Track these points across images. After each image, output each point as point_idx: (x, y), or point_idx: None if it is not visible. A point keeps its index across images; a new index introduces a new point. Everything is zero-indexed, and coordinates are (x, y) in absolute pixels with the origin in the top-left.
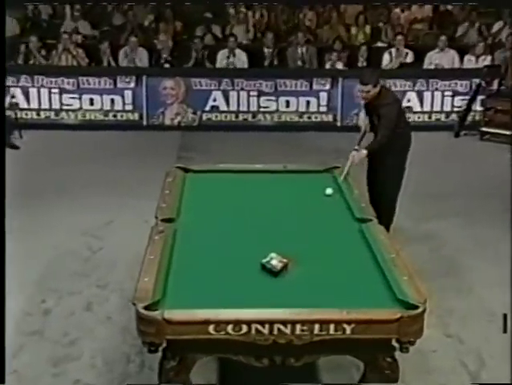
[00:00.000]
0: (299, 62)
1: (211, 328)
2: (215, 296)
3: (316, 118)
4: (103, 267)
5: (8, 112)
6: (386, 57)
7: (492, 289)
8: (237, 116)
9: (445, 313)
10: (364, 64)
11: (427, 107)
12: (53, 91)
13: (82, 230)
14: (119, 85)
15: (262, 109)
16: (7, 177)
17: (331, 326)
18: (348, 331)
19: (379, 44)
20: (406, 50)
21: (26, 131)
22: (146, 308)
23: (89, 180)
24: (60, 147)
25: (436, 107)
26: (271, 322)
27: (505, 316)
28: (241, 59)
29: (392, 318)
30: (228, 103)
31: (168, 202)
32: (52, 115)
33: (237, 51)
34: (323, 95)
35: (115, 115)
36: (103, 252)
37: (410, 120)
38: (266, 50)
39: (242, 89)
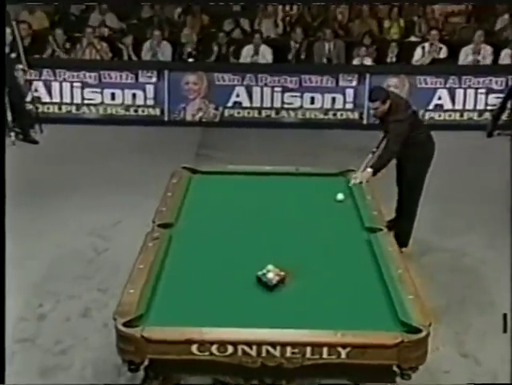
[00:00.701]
0: (326, 58)
1: (194, 348)
2: (203, 312)
3: (342, 115)
4: (106, 270)
5: (30, 106)
6: (418, 52)
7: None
8: (260, 113)
9: (462, 329)
10: (394, 60)
11: (459, 105)
12: (75, 85)
13: (89, 230)
14: (140, 79)
15: (285, 105)
16: (21, 173)
17: (324, 350)
18: (343, 355)
19: (413, 39)
20: (440, 45)
21: (46, 126)
22: (126, 324)
23: (103, 178)
24: (79, 143)
25: (469, 106)
26: (259, 344)
27: (505, 316)
28: (266, 57)
29: (392, 342)
30: (251, 99)
31: (168, 206)
32: (73, 109)
33: (262, 48)
34: (350, 92)
35: (136, 110)
36: (108, 253)
37: (440, 118)
38: (292, 44)
39: (266, 85)
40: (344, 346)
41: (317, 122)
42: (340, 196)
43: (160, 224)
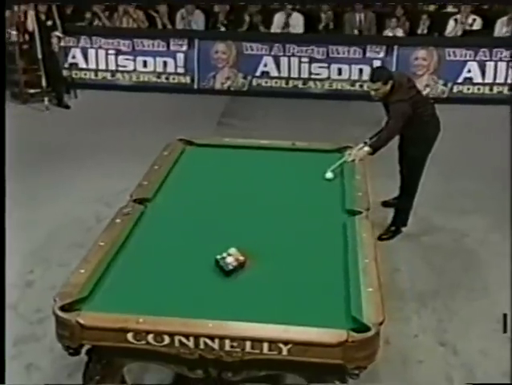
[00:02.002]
0: (357, 29)
1: (130, 336)
2: (147, 299)
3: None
4: None
5: (67, 72)
6: (451, 23)
7: (508, 292)
8: (287, 83)
9: (448, 316)
10: (425, 32)
11: (489, 79)
12: (110, 52)
13: (96, 197)
14: (172, 48)
15: (313, 76)
16: (45, 138)
17: (265, 345)
18: (285, 352)
19: (449, 9)
20: (473, 17)
21: (82, 92)
22: (66, 306)
23: (121, 145)
24: (109, 109)
25: (500, 79)
26: (196, 336)
27: (505, 316)
28: (298, 23)
29: (335, 341)
30: (279, 69)
31: (150, 179)
32: (108, 75)
33: (294, 15)
34: (377, 64)
35: (167, 78)
36: (108, 221)
37: (469, 92)
38: (322, 14)
39: (294, 55)
40: (286, 343)
41: (344, 93)
42: (329, 175)
43: (135, 199)
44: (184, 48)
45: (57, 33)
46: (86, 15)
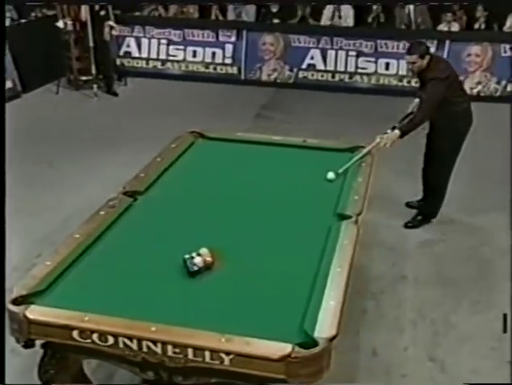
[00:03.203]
0: (406, 23)
1: (75, 334)
2: (102, 296)
3: (417, 83)
4: None
5: (120, 60)
6: (511, 19)
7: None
8: (333, 76)
9: (444, 330)
10: (483, 27)
11: None
12: (161, 41)
13: (121, 185)
14: (220, 38)
15: (359, 70)
16: (90, 122)
17: (207, 354)
18: (227, 362)
19: None
20: None
21: (132, 80)
22: (18, 299)
23: (160, 133)
24: (155, 97)
25: None
26: (140, 339)
27: (505, 316)
28: (347, 18)
29: (276, 356)
30: (325, 62)
31: (148, 172)
32: (159, 64)
33: (344, 7)
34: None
35: (215, 68)
36: None
37: None
38: (374, 6)
39: (341, 48)
40: (228, 353)
41: (391, 88)
42: (331, 176)
43: (126, 191)
44: (233, 39)
45: (110, 22)
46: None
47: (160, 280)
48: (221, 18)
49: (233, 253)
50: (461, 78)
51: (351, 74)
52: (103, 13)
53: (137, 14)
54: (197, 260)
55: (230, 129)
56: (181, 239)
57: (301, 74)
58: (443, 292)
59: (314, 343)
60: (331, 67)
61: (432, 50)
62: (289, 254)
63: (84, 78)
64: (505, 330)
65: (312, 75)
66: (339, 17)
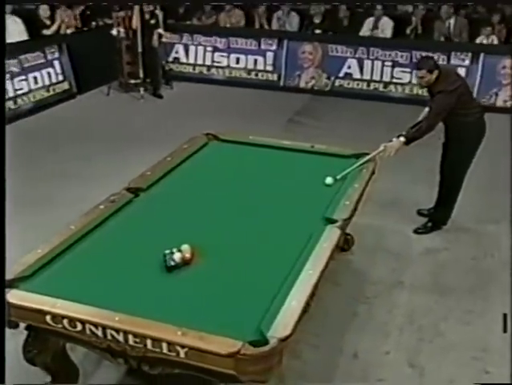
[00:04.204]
0: (445, 35)
1: (48, 318)
2: (77, 285)
3: None
4: None
5: (169, 65)
6: None
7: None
8: (368, 85)
9: (431, 336)
10: None
11: None
12: (207, 48)
13: None
14: (262, 46)
15: (394, 80)
16: (133, 122)
17: (164, 345)
18: (182, 355)
19: None
20: None
21: (179, 83)
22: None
23: (195, 133)
24: (198, 100)
25: None
26: (104, 327)
27: (505, 316)
28: (385, 30)
29: (225, 352)
30: (361, 72)
31: (155, 170)
32: (204, 70)
33: (384, 20)
34: (461, 71)
35: (256, 74)
36: None
37: None
38: (413, 18)
39: (377, 58)
40: (182, 346)
41: (425, 99)
42: (329, 181)
43: (129, 187)
44: (274, 47)
45: (159, 30)
46: (195, 14)
47: (137, 273)
48: (265, 27)
49: (215, 250)
50: (495, 90)
51: (386, 84)
52: (153, 21)
53: (188, 22)
54: (176, 255)
55: (261, 132)
56: (170, 235)
57: (337, 83)
58: (437, 300)
59: (266, 342)
60: (366, 76)
61: (467, 62)
62: (268, 255)
63: (133, 81)
64: (505, 330)
65: (348, 84)
66: (378, 27)
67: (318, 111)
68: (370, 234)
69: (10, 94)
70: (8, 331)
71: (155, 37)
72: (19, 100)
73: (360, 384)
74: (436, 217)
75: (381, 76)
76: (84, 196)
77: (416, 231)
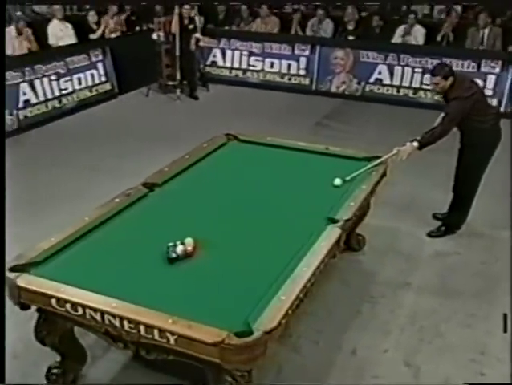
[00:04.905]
0: (479, 44)
1: (53, 302)
2: (82, 272)
3: None
4: None
5: (207, 68)
6: None
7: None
8: (398, 91)
9: (431, 337)
10: None
11: None
12: (243, 53)
13: None
14: (296, 52)
15: (424, 86)
16: (168, 121)
17: (156, 332)
18: (172, 342)
19: None
20: None
21: (215, 86)
22: (17, 267)
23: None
24: (232, 102)
25: None
26: (102, 312)
27: (505, 316)
28: (417, 37)
29: (211, 340)
30: (392, 77)
31: (172, 167)
32: (240, 73)
33: (416, 27)
34: (491, 78)
35: (289, 78)
36: None
37: None
38: (445, 26)
39: (407, 65)
40: (172, 334)
41: None
42: (337, 182)
43: (145, 183)
44: (307, 53)
45: (196, 35)
46: (235, 20)
47: (140, 263)
48: (300, 33)
49: (218, 245)
50: None
51: (416, 90)
52: (191, 27)
53: (226, 28)
54: (179, 248)
55: (288, 134)
56: (178, 229)
57: (368, 88)
58: (441, 302)
59: (251, 333)
60: (396, 82)
61: (497, 70)
62: (267, 251)
63: (171, 83)
64: (505, 330)
65: (378, 89)
66: (410, 33)
67: (346, 115)
68: (383, 236)
69: (56, 93)
70: (27, 314)
71: (192, 41)
72: (64, 100)
73: (355, 380)
74: (450, 222)
75: (411, 82)
76: (114, 191)
77: (429, 234)
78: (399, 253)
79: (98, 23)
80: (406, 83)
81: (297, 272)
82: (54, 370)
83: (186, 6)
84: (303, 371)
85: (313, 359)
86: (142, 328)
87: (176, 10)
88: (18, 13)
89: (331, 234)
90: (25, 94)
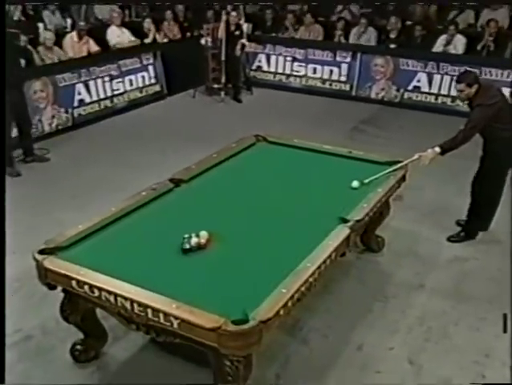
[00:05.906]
0: None
1: (74, 283)
2: (105, 258)
3: None
4: None
5: (252, 73)
6: None
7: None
8: (436, 98)
9: (438, 338)
10: None
11: None
12: (287, 58)
13: None
14: (338, 58)
15: None
16: (209, 121)
17: (161, 316)
18: (175, 325)
19: None
20: None
21: (259, 90)
22: (45, 250)
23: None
24: (274, 106)
25: None
26: (115, 294)
27: (505, 316)
28: (458, 47)
29: (208, 326)
30: (430, 85)
31: (200, 165)
32: (283, 78)
33: (457, 37)
34: None
35: (330, 84)
36: None
37: None
38: (486, 36)
39: (446, 73)
40: (176, 318)
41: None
42: (355, 184)
43: (172, 178)
44: (348, 60)
45: (242, 40)
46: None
47: (156, 253)
48: (343, 41)
49: (232, 239)
50: None
51: (454, 98)
52: (237, 33)
53: (273, 34)
54: (193, 240)
55: (325, 137)
56: (197, 222)
57: (406, 95)
58: (453, 305)
59: (247, 322)
60: (435, 90)
61: None
62: (278, 246)
63: (216, 86)
64: (505, 330)
65: (417, 96)
66: (450, 43)
67: (383, 120)
68: (404, 238)
69: (108, 93)
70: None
71: (238, 46)
72: (115, 99)
73: (358, 374)
74: (469, 228)
75: (449, 90)
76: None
77: (449, 239)
78: (417, 255)
79: (156, 29)
80: (444, 91)
81: (300, 267)
82: (78, 347)
83: (233, 13)
84: (309, 363)
85: (320, 352)
86: (150, 311)
87: (224, 17)
88: (82, 23)
89: (340, 233)
90: (80, 94)
